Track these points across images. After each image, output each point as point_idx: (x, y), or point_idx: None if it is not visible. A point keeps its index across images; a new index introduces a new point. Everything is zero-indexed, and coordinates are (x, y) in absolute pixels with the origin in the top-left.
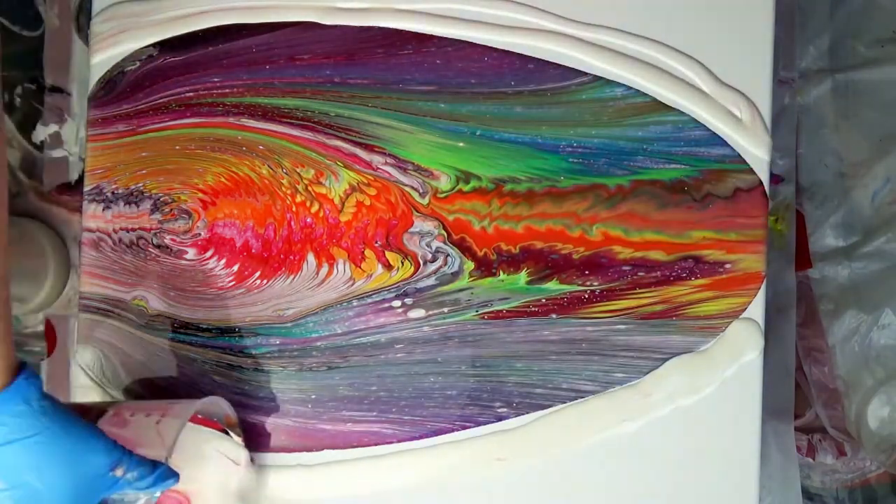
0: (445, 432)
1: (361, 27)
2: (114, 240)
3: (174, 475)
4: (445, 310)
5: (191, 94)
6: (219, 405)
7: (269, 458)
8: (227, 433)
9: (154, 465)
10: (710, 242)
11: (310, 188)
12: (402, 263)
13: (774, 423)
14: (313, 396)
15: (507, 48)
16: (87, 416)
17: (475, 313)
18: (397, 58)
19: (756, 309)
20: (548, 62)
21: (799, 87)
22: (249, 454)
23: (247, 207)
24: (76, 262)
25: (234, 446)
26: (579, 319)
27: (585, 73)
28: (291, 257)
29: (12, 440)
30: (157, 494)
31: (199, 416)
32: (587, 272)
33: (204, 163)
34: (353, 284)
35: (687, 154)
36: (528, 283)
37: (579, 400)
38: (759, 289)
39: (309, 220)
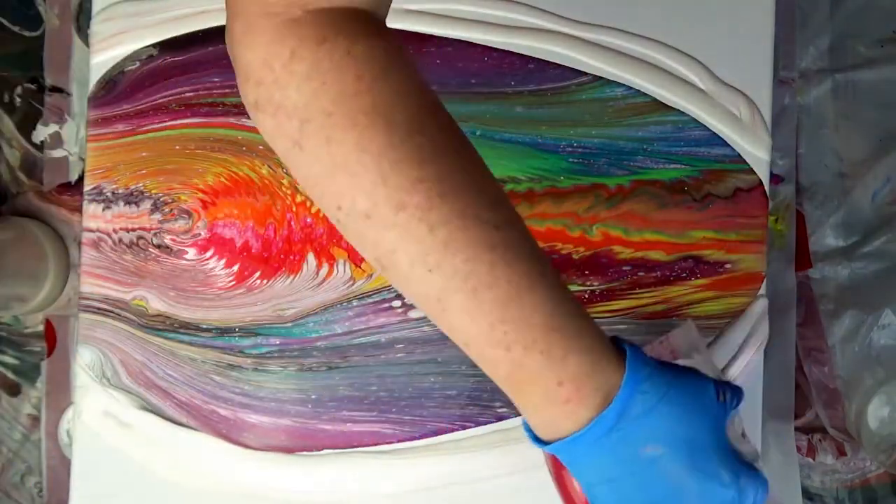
0: (445, 432)
1: None
2: (114, 240)
3: (740, 388)
4: None
5: (191, 94)
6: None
7: (270, 457)
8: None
9: (726, 383)
10: (710, 242)
11: None
12: None
13: (774, 423)
14: (313, 396)
15: (507, 48)
16: None
17: None
18: None
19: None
20: (548, 62)
21: (799, 87)
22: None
23: (247, 207)
24: (76, 262)
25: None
26: None
27: (585, 73)
28: (291, 257)
29: (654, 404)
30: (736, 412)
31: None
32: (587, 272)
33: (204, 163)
34: (353, 284)
35: (687, 154)
36: None
37: None
38: (759, 289)
39: (309, 219)
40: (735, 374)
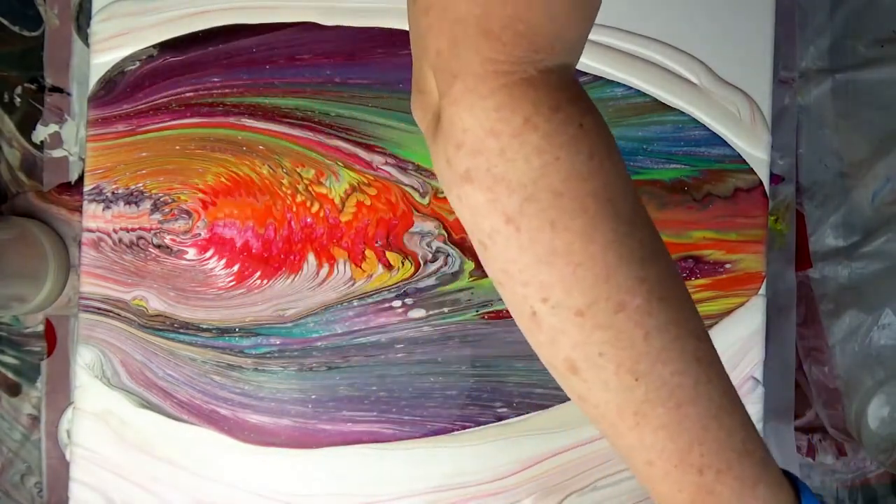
0: (445, 432)
1: (361, 27)
2: (114, 240)
3: None
4: (446, 310)
5: (191, 94)
6: None
7: (271, 456)
8: None
9: None
10: (710, 242)
11: (310, 188)
12: (403, 263)
13: (774, 423)
14: (313, 396)
15: None
16: None
17: (475, 313)
18: (397, 58)
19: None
20: None
21: (799, 87)
22: None
23: (247, 207)
24: (76, 262)
25: None
26: None
27: (585, 73)
28: (292, 257)
29: None
30: None
31: None
32: None
33: (204, 163)
34: (353, 284)
35: (687, 154)
36: None
37: None
38: (759, 289)
39: (309, 220)
40: (739, 376)
